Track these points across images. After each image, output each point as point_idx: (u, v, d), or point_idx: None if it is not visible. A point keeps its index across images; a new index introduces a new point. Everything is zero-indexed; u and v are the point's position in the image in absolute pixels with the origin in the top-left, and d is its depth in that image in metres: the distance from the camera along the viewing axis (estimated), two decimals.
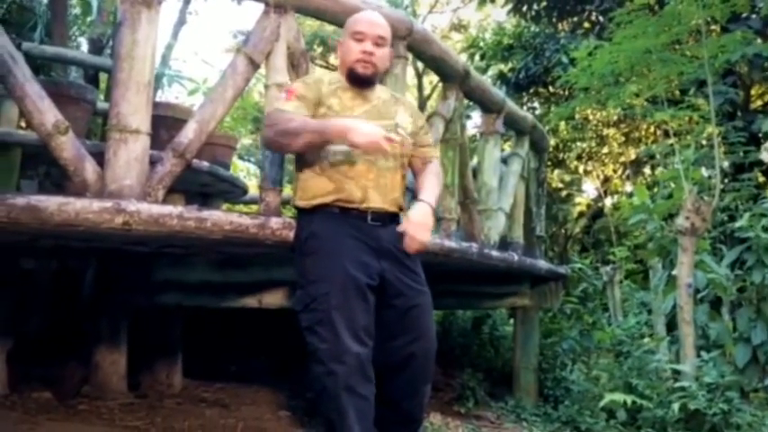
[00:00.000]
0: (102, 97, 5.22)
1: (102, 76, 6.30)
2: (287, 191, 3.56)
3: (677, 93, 6.90)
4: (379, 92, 2.44)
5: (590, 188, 12.72)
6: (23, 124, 4.32)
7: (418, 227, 2.27)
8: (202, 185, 4.17)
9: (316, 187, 2.29)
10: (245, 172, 15.65)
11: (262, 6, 2.61)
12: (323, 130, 2.21)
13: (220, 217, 2.32)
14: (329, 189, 2.27)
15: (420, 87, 14.33)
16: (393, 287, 2.29)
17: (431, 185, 2.43)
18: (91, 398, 3.39)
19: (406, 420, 2.39)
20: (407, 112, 2.49)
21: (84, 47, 7.58)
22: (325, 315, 2.16)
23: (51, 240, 2.64)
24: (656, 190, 6.71)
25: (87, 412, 3.21)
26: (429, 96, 14.83)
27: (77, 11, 7.26)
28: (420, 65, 11.35)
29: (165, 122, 3.55)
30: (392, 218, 2.36)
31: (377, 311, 2.26)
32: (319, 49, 14.53)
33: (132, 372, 3.62)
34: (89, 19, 6.39)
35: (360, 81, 2.35)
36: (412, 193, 2.68)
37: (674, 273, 4.68)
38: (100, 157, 2.33)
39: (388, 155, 2.27)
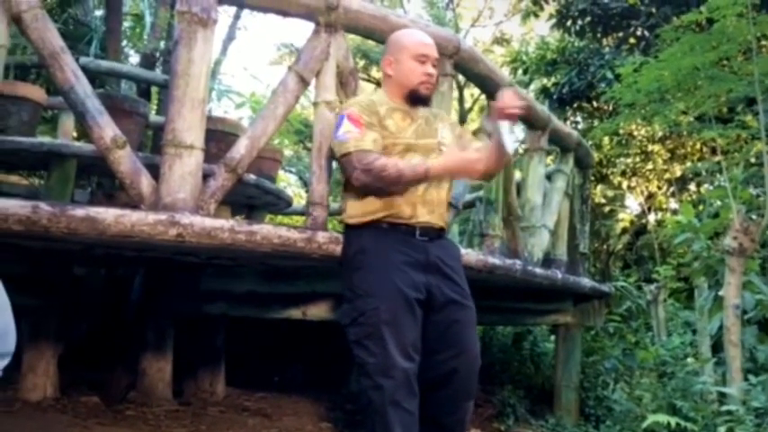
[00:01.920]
0: (153, 110, 5.37)
1: (154, 90, 6.48)
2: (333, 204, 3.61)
3: (725, 110, 6.79)
4: (420, 109, 2.48)
5: (633, 204, 12.53)
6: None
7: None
8: (248, 197, 4.25)
9: (365, 205, 2.33)
10: (286, 182, 15.83)
11: (312, 25, 2.67)
12: (426, 172, 2.30)
13: (270, 231, 2.37)
14: (378, 206, 2.31)
15: (461, 100, 14.34)
16: (438, 301, 2.31)
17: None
18: (137, 403, 3.47)
19: None
20: (446, 126, 2.54)
21: (133, 59, 7.79)
22: (373, 329, 2.19)
23: (105, 249, 2.72)
24: (701, 208, 6.59)
25: (134, 418, 3.29)
26: (470, 109, 14.83)
27: (129, 24, 7.47)
28: (461, 77, 11.36)
29: (215, 136, 3.64)
30: (439, 233, 2.39)
31: (423, 325, 2.28)
32: (362, 63, 14.67)
33: (176, 379, 3.70)
34: (142, 34, 6.57)
35: (422, 102, 2.42)
36: (456, 210, 2.71)
37: (720, 293, 4.60)
38: (151, 169, 2.41)
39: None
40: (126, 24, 7.57)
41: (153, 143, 5.58)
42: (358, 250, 2.32)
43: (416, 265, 2.29)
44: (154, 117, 4.82)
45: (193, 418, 3.37)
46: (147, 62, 6.46)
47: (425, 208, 2.35)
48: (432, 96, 2.46)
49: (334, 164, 2.62)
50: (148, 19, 6.44)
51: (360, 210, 2.35)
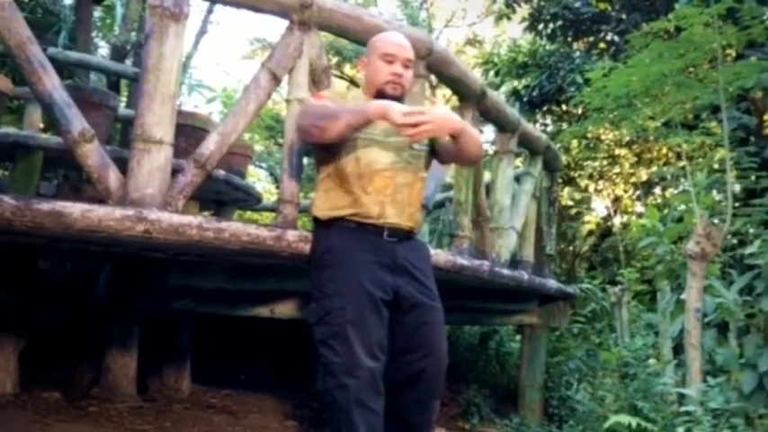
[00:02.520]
0: (123, 103, 5.30)
1: (124, 82, 6.39)
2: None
3: (690, 116, 6.92)
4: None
5: (600, 207, 12.71)
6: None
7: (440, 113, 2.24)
8: (217, 193, 4.22)
9: (333, 199, 2.34)
10: (257, 178, 15.74)
11: (286, 22, 2.66)
12: (362, 109, 2.24)
13: (238, 228, 2.36)
14: (346, 202, 2.32)
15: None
16: (406, 302, 2.32)
17: None
18: (100, 400, 3.43)
19: None
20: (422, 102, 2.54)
21: (102, 51, 7.68)
22: (339, 329, 2.19)
23: (70, 244, 2.68)
24: (665, 211, 6.71)
25: (97, 414, 3.25)
26: None
27: (100, 14, 7.35)
28: (434, 78, 11.41)
29: (185, 131, 3.61)
30: (408, 234, 2.40)
31: (389, 326, 2.29)
32: (335, 60, 14.64)
33: (141, 375, 3.66)
34: (113, 25, 6.48)
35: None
36: (427, 210, 2.73)
37: (682, 296, 4.69)
38: (119, 163, 2.39)
39: (412, 143, 2.36)
40: (96, 15, 7.46)
41: (122, 136, 5.51)
42: (326, 249, 2.32)
43: (384, 267, 2.30)
44: (123, 110, 4.76)
45: (158, 415, 3.34)
46: (118, 54, 6.37)
47: (394, 208, 2.35)
48: (402, 97, 2.44)
49: (305, 160, 2.63)
50: (119, 10, 6.34)
51: (327, 204, 2.36)
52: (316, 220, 2.42)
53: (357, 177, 2.33)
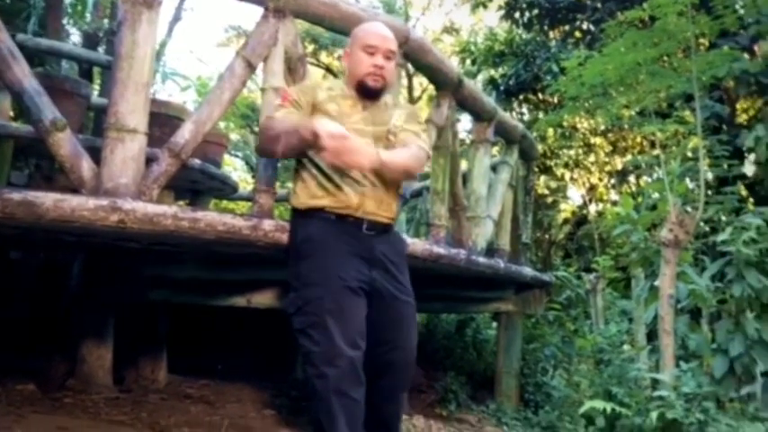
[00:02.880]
0: (95, 91, 5.22)
1: (96, 70, 6.29)
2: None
3: (664, 105, 7.00)
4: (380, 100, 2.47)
5: (575, 195, 12.83)
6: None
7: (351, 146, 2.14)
8: (193, 182, 4.19)
9: (312, 190, 2.33)
10: (232, 167, 15.64)
11: (261, 10, 2.64)
12: (295, 129, 2.17)
13: (214, 218, 2.35)
14: (325, 193, 2.31)
15: (410, 89, 14.38)
16: (381, 296, 2.33)
17: (396, 150, 2.36)
18: (75, 391, 3.40)
19: (386, 425, 2.43)
20: (403, 114, 2.49)
21: (74, 38, 7.55)
22: (318, 318, 2.20)
23: (43, 234, 2.65)
24: (640, 199, 6.79)
25: (72, 405, 3.22)
26: (419, 98, 14.89)
27: (71, 0, 7.21)
28: (411, 66, 11.40)
29: (159, 119, 3.58)
30: (386, 227, 2.40)
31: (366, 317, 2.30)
32: (311, 47, 14.55)
33: (116, 366, 3.63)
34: (84, 11, 6.36)
35: (370, 94, 2.39)
36: (404, 200, 2.73)
37: (656, 283, 4.75)
38: (93, 152, 2.35)
39: (360, 171, 2.23)
40: (67, 0, 7.32)
41: (95, 125, 5.43)
42: (304, 239, 2.31)
43: (361, 259, 2.30)
44: (96, 99, 4.69)
45: (134, 406, 3.32)
46: (90, 41, 6.27)
47: (373, 199, 2.35)
48: (384, 89, 2.42)
49: None
50: None
51: (306, 194, 2.34)
52: (294, 211, 2.41)
53: (336, 168, 2.31)
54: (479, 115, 4.13)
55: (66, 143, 2.26)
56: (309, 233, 2.31)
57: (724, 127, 7.99)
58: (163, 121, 3.66)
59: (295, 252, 2.34)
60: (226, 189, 4.62)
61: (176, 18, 8.21)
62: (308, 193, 2.34)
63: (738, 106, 9.10)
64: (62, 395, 3.31)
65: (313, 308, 2.22)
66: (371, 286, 2.31)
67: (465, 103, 3.86)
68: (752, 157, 7.72)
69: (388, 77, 2.43)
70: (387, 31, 2.46)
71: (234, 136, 14.43)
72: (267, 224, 2.46)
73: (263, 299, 3.13)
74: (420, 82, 14.76)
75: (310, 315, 2.22)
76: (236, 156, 15.41)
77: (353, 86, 2.40)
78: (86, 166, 2.28)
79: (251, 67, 2.60)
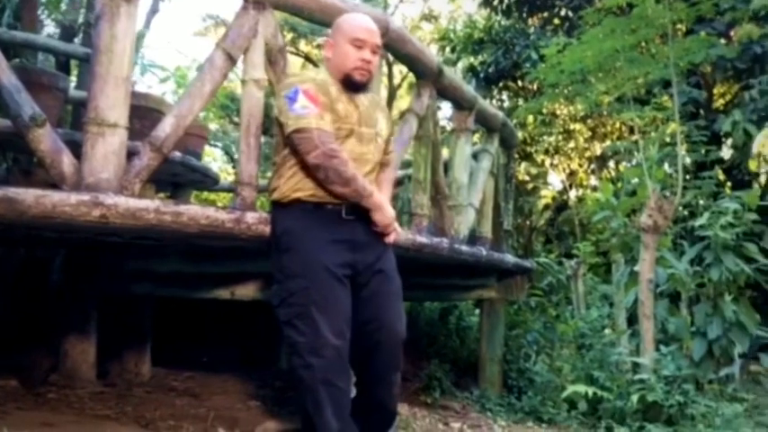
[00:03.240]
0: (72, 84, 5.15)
1: (74, 63, 6.20)
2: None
3: (642, 91, 7.06)
4: (361, 95, 2.48)
5: (555, 181, 12.92)
6: None
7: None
8: (174, 175, 4.17)
9: (297, 183, 2.33)
10: (212, 157, 15.54)
11: (240, 1, 2.62)
12: (362, 197, 2.30)
13: (197, 211, 2.34)
14: (309, 186, 2.31)
15: (390, 77, 14.35)
16: (364, 276, 2.35)
17: (387, 188, 2.58)
18: (59, 386, 3.39)
19: (380, 408, 2.44)
20: (384, 117, 2.53)
21: (48, 29, 7.43)
22: (303, 309, 2.21)
23: (24, 230, 2.63)
24: (619, 185, 6.86)
25: (56, 401, 3.21)
26: (399, 86, 14.86)
27: None
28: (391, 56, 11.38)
29: (138, 112, 3.54)
30: (366, 211, 2.40)
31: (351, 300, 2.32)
32: (290, 36, 14.45)
33: (100, 360, 3.62)
34: (59, 3, 6.26)
35: (355, 87, 2.40)
36: None
37: (636, 268, 4.82)
38: (71, 146, 2.33)
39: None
40: None
41: (72, 118, 5.37)
42: (284, 230, 2.32)
43: (343, 243, 2.31)
44: (74, 92, 4.63)
45: (119, 400, 3.31)
46: (67, 34, 6.17)
47: None
48: (368, 83, 2.44)
49: (262, 139, 2.60)
50: None
51: (290, 187, 2.34)
52: (274, 203, 2.41)
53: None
54: (460, 104, 4.14)
55: (46, 138, 2.24)
56: (290, 224, 2.31)
57: (701, 112, 8.09)
58: (142, 113, 3.63)
59: (277, 244, 2.35)
60: (207, 181, 4.60)
61: (154, 10, 8.12)
62: (293, 187, 2.34)
63: (715, 91, 9.20)
64: (46, 390, 3.30)
65: (298, 299, 2.23)
66: (355, 269, 2.33)
67: (446, 93, 3.87)
68: (729, 141, 7.83)
69: (373, 71, 2.45)
70: (373, 24, 2.47)
71: (213, 126, 14.32)
72: (250, 217, 2.46)
73: (247, 291, 3.13)
74: (400, 70, 14.72)
75: (295, 306, 2.23)
76: (216, 146, 15.29)
77: (340, 80, 2.40)
78: (67, 161, 2.26)
79: (231, 60, 2.58)
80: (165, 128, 2.43)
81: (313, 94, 2.30)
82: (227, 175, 12.06)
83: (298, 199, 2.32)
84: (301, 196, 2.31)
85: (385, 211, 2.36)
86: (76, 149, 2.29)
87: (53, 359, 3.53)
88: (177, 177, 4.29)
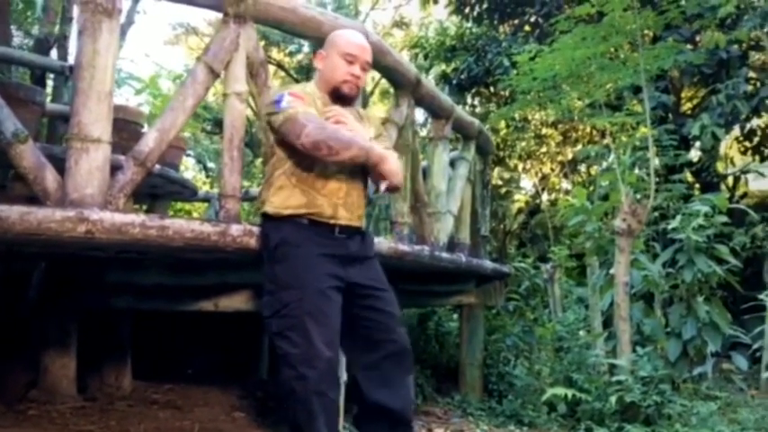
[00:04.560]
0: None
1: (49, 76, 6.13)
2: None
3: (613, 97, 7.19)
4: (349, 108, 2.53)
5: (528, 185, 13.05)
6: None
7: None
8: (152, 187, 4.15)
9: (287, 198, 2.36)
10: (185, 166, 15.42)
11: (221, 16, 2.64)
12: (368, 151, 2.34)
13: (182, 225, 2.35)
14: (301, 203, 2.35)
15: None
16: (361, 290, 2.40)
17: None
18: (40, 402, 3.34)
19: (400, 422, 2.45)
20: (369, 125, 2.59)
21: (17, 40, 7.34)
22: (297, 321, 2.24)
23: (5, 247, 2.61)
24: (591, 188, 6.97)
25: (38, 417, 3.17)
26: (372, 92, 14.92)
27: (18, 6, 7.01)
28: None
29: (117, 125, 3.50)
30: (357, 230, 2.46)
31: (348, 314, 2.36)
32: (261, 43, 14.45)
33: (79, 374, 3.58)
34: (28, 15, 6.19)
35: (342, 100, 2.45)
36: (369, 200, 2.78)
37: (611, 271, 4.91)
38: (51, 161, 2.32)
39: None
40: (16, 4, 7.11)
41: (48, 132, 5.31)
42: (279, 242, 2.35)
43: (336, 259, 2.36)
44: (50, 105, 4.59)
45: (101, 414, 3.29)
46: (41, 47, 6.11)
47: (346, 211, 2.42)
48: (356, 97, 2.51)
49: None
50: (39, 0, 6.07)
51: (280, 201, 2.37)
52: (265, 216, 2.44)
53: (314, 179, 2.38)
54: (437, 113, 4.19)
55: (28, 155, 2.23)
56: (283, 237, 2.35)
57: (670, 116, 8.25)
58: (121, 126, 3.60)
59: (270, 256, 2.37)
60: (185, 192, 4.59)
61: (129, 22, 8.07)
62: (283, 201, 2.37)
63: (683, 95, 9.39)
64: (26, 407, 3.26)
65: (291, 310, 2.25)
66: (349, 283, 2.37)
67: (423, 102, 3.92)
68: (697, 144, 8.00)
69: (361, 87, 2.53)
70: (366, 42, 2.55)
71: (185, 134, 14.23)
72: (235, 229, 2.47)
73: (231, 302, 3.13)
74: (372, 77, 14.79)
75: (288, 318, 2.25)
76: (188, 155, 15.19)
77: (327, 92, 2.46)
78: (50, 177, 2.26)
79: (213, 74, 2.60)
80: (149, 142, 2.44)
81: (299, 95, 2.39)
82: (200, 185, 11.98)
83: (289, 214, 2.36)
84: (294, 213, 2.35)
85: (392, 160, 2.42)
86: (55, 163, 2.29)
87: (32, 374, 3.49)
88: (156, 189, 4.27)
